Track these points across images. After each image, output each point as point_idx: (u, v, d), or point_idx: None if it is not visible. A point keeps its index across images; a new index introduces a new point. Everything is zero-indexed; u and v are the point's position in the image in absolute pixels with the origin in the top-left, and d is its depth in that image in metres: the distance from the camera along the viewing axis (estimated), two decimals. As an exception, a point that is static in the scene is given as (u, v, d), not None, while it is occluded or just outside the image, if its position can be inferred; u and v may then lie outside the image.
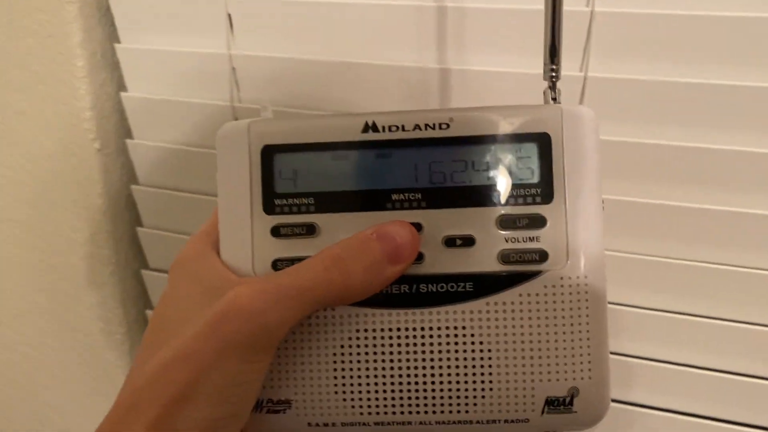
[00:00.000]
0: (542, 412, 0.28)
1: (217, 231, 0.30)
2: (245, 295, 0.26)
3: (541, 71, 0.31)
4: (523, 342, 0.28)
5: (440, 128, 0.29)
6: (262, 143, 0.29)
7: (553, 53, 0.30)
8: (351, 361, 0.29)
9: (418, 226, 0.29)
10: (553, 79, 0.30)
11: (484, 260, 0.29)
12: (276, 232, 0.29)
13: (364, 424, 0.29)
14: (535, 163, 0.29)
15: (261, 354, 0.26)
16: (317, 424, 0.29)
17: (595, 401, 0.29)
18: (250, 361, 0.26)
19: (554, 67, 0.30)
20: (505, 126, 0.29)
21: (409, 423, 0.29)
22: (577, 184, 0.29)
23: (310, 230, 0.29)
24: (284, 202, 0.29)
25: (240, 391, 0.26)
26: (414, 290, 0.29)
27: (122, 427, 0.25)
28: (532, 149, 0.29)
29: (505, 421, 0.29)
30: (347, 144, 0.29)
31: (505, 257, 0.28)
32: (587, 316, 0.28)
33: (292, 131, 0.29)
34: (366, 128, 0.29)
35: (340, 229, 0.29)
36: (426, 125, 0.29)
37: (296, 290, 0.26)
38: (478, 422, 0.29)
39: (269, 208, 0.29)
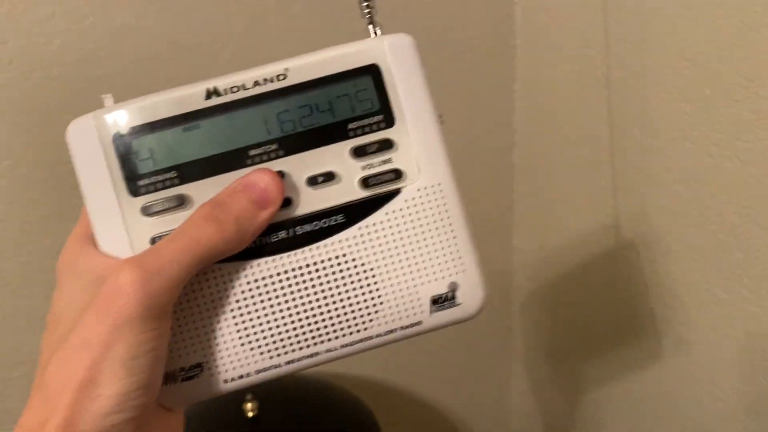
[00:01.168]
0: (431, 312, 0.32)
1: (88, 227, 0.31)
2: (126, 271, 0.27)
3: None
4: (399, 254, 0.31)
5: (279, 80, 0.31)
6: (112, 132, 0.30)
7: None
8: (250, 312, 0.30)
9: (280, 174, 0.30)
10: (370, 14, 0.33)
11: (347, 191, 0.31)
12: (147, 210, 0.30)
13: (276, 366, 0.31)
14: (372, 93, 0.31)
15: (156, 321, 0.27)
16: (233, 379, 0.31)
17: (473, 290, 0.32)
18: (146, 330, 0.27)
19: (368, 1, 0.33)
20: (338, 65, 0.31)
21: (317, 354, 0.31)
22: (413, 104, 0.31)
23: (179, 201, 0.30)
24: (148, 181, 0.30)
25: (144, 362, 0.27)
26: (291, 234, 0.31)
27: (38, 426, 0.26)
28: (366, 81, 0.31)
29: (401, 328, 0.32)
30: (194, 114, 0.30)
31: (365, 183, 0.31)
32: (448, 217, 0.32)
33: (138, 113, 0.30)
34: (209, 95, 0.30)
35: (208, 194, 0.30)
36: (264, 80, 0.31)
37: (174, 253, 0.28)
38: (378, 336, 0.31)
39: (135, 191, 0.30)
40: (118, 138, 0.30)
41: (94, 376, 0.25)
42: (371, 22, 0.33)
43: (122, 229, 0.30)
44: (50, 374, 0.26)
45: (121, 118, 0.30)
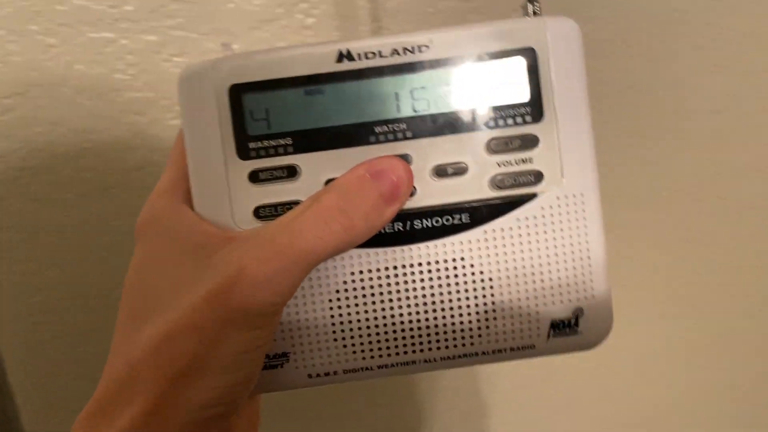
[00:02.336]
0: (548, 337, 0.28)
1: (180, 183, 0.28)
2: (249, 262, 0.23)
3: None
4: (524, 267, 0.27)
5: (419, 51, 0.27)
6: (229, 82, 0.27)
7: None
8: (348, 306, 0.27)
9: (405, 158, 0.27)
10: (533, -9, 0.29)
11: (476, 188, 0.27)
12: (254, 177, 0.27)
13: (367, 368, 0.28)
14: (523, 81, 0.27)
15: (269, 318, 0.24)
16: (318, 375, 0.28)
17: (599, 320, 0.28)
18: (259, 328, 0.24)
19: None
20: (488, 43, 0.27)
21: (413, 363, 0.28)
22: (567, 99, 0.27)
23: (291, 172, 0.27)
24: (259, 144, 0.27)
25: (253, 356, 0.25)
26: (408, 227, 0.27)
27: (119, 404, 0.23)
28: (519, 66, 0.27)
29: (511, 349, 0.28)
30: (322, 76, 0.27)
31: (498, 182, 0.27)
32: (586, 234, 0.28)
33: (261, 67, 0.27)
34: (340, 57, 0.27)
35: (322, 169, 0.27)
36: (404, 49, 0.27)
37: (301, 253, 0.24)
38: (483, 353, 0.28)
39: (244, 153, 0.27)
40: (234, 92, 0.27)
41: (201, 366, 0.23)
42: (533, 1, 0.29)
43: (225, 193, 0.27)
44: (143, 353, 0.23)
45: (241, 70, 0.27)
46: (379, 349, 0.28)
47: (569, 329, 0.28)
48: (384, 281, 0.27)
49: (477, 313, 0.27)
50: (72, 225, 0.51)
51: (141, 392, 0.23)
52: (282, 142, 0.27)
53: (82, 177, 0.49)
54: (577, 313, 0.28)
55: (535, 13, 0.29)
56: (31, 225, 0.50)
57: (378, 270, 0.27)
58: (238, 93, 0.27)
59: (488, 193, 0.27)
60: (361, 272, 0.27)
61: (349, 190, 0.25)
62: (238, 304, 0.23)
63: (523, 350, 0.28)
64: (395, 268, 0.27)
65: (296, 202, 0.27)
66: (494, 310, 0.27)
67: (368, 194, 0.25)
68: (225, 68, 0.27)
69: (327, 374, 0.28)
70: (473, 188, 0.27)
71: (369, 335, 0.27)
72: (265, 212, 0.27)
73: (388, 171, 0.26)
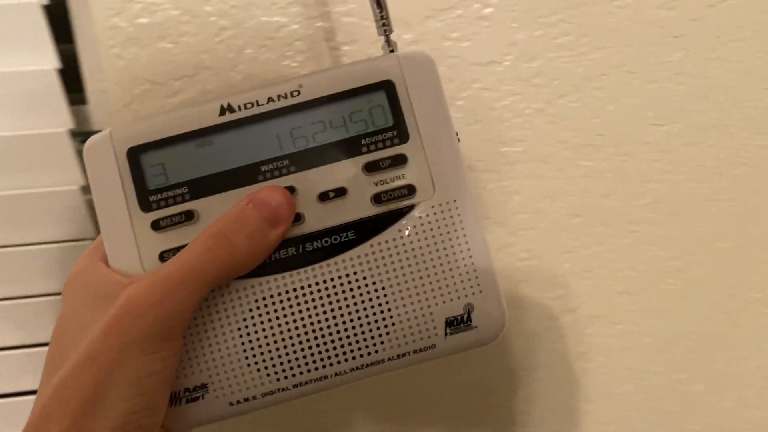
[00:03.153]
0: (445, 335, 0.30)
1: (101, 245, 0.31)
2: (136, 291, 0.26)
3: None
4: (412, 273, 0.30)
5: (292, 96, 0.31)
6: (126, 146, 0.30)
7: (379, 5, 0.32)
8: (257, 331, 0.29)
9: (291, 189, 0.30)
10: (386, 32, 0.33)
11: (359, 206, 0.30)
12: (156, 225, 0.30)
13: (284, 389, 0.30)
14: (385, 109, 0.31)
15: (165, 343, 0.26)
16: (238, 401, 0.30)
17: (491, 313, 0.30)
18: (155, 352, 0.26)
19: (384, 20, 0.33)
20: (351, 81, 0.31)
21: (326, 377, 0.30)
22: (428, 120, 0.31)
23: (188, 216, 0.30)
24: (159, 196, 0.30)
25: (151, 383, 0.26)
26: (301, 250, 0.30)
27: None
28: (380, 97, 0.31)
29: (414, 351, 0.30)
30: (208, 129, 0.30)
31: (377, 199, 0.30)
32: (465, 235, 0.30)
33: (153, 129, 0.30)
34: (223, 111, 0.30)
35: (218, 210, 0.30)
36: (279, 96, 0.31)
37: (185, 275, 0.27)
38: (390, 359, 0.30)
39: (145, 206, 0.30)
40: (131, 153, 0.30)
41: (100, 395, 0.25)
42: (387, 39, 0.33)
43: (132, 244, 0.30)
44: (53, 390, 0.25)
45: (136, 133, 0.30)
46: (291, 368, 0.30)
47: (464, 325, 0.30)
48: (286, 303, 0.30)
49: (376, 321, 0.30)
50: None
51: (55, 428, 0.24)
52: (179, 191, 0.30)
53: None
54: (468, 308, 0.30)
55: (391, 50, 0.33)
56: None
57: (279, 294, 0.30)
58: (135, 154, 0.30)
59: (370, 210, 0.30)
60: (264, 298, 0.30)
61: (232, 218, 0.28)
62: (128, 330, 0.25)
63: (426, 351, 0.30)
64: (294, 290, 0.30)
65: None
66: (392, 317, 0.30)
67: (250, 219, 0.28)
68: (122, 134, 0.30)
69: (247, 399, 0.30)
70: (356, 208, 0.30)
71: (279, 356, 0.29)
72: (169, 255, 0.30)
73: (267, 198, 0.29)
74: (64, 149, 0.47)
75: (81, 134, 0.48)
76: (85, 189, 0.48)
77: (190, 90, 0.46)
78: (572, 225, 0.50)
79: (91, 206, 0.49)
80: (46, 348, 0.29)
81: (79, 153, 0.46)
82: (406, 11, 0.44)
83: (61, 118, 0.47)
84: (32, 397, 0.43)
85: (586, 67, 0.46)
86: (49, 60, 0.45)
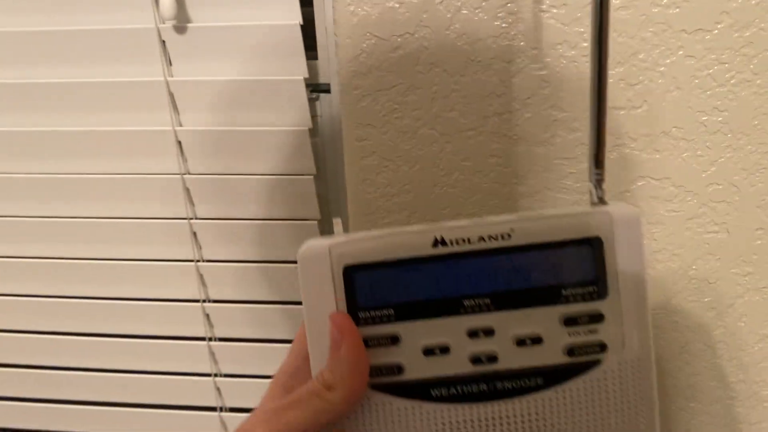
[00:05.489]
0: None
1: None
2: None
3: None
4: (592, 423, 0.32)
5: (502, 239, 0.32)
6: (343, 263, 0.32)
7: (598, 164, 0.33)
8: None
9: (489, 330, 0.32)
10: (599, 182, 0.33)
11: (551, 354, 0.32)
12: (364, 343, 0.32)
13: None
14: (590, 264, 0.32)
15: None
16: None
17: None
18: None
19: (599, 172, 0.33)
20: (562, 232, 0.32)
21: None
22: (628, 279, 0.32)
23: (393, 340, 0.32)
24: (367, 314, 0.33)
25: None
26: (491, 387, 0.32)
27: None
28: (587, 252, 0.32)
29: None
30: (420, 259, 0.32)
31: (570, 351, 0.32)
32: (641, 390, 0.32)
33: (369, 251, 0.32)
34: (435, 243, 0.32)
35: (419, 336, 0.32)
36: (490, 236, 0.32)
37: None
38: None
39: (354, 320, 0.33)
40: (348, 271, 0.32)
41: None
42: (599, 188, 0.33)
43: None
44: None
45: (354, 252, 0.32)
46: None
47: None
48: (470, 430, 0.32)
49: None
50: (426, 158, 0.56)
51: None
52: (386, 312, 0.32)
53: (445, 116, 0.54)
54: None
55: (600, 198, 0.33)
56: (394, 154, 0.57)
57: (465, 421, 0.32)
58: (351, 272, 0.32)
59: (561, 359, 0.32)
60: (451, 422, 0.32)
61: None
62: None
63: None
64: (479, 420, 0.32)
65: (398, 365, 0.32)
66: None
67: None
68: (340, 251, 0.32)
69: None
70: (548, 354, 0.32)
71: None
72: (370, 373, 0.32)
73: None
74: (299, 95, 0.55)
75: (310, 85, 0.57)
76: (312, 131, 0.57)
77: (410, 46, 0.51)
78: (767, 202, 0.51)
79: (314, 147, 0.58)
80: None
81: (310, 100, 0.55)
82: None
83: (300, 68, 0.55)
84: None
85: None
86: (294, 15, 0.53)
